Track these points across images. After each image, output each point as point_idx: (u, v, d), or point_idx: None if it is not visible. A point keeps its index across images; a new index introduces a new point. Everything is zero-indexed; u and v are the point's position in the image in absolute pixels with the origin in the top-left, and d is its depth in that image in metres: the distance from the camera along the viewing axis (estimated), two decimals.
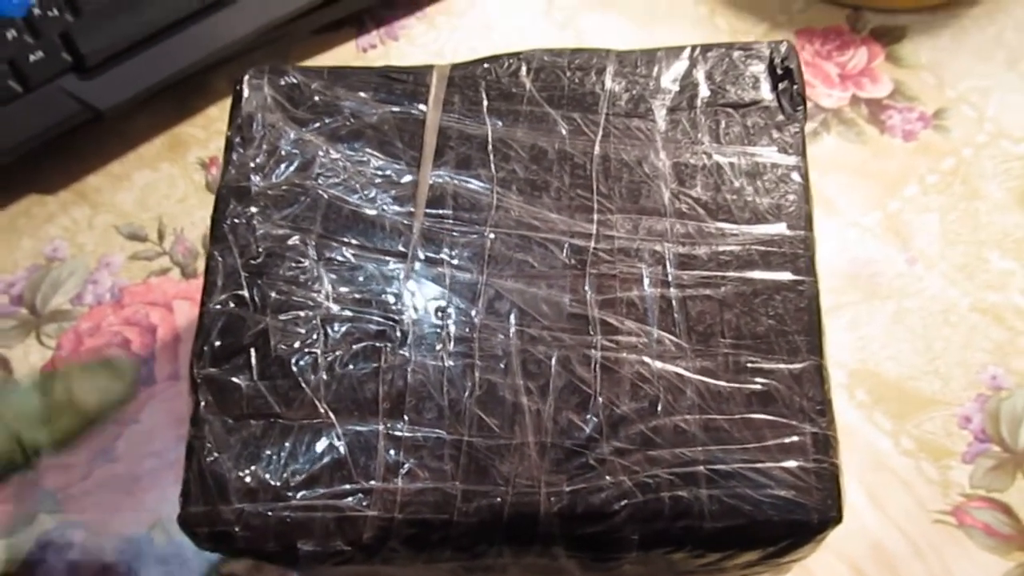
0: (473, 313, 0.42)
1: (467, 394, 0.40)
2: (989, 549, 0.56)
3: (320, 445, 0.40)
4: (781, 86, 0.45)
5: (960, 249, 0.64)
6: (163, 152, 0.69)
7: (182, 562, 0.58)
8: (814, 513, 0.38)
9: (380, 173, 0.45)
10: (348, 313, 0.42)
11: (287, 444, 0.40)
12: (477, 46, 0.71)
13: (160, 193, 0.68)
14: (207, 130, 0.70)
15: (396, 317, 0.42)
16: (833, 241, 0.65)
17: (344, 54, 0.72)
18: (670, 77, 0.45)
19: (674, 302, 0.41)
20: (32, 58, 0.62)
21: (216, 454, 0.41)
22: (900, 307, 0.63)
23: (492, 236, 0.43)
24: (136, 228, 0.67)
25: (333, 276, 0.43)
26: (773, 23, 0.72)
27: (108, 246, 0.66)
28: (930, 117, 0.69)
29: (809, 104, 0.69)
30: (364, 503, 0.39)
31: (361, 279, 0.43)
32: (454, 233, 0.43)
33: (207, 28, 0.65)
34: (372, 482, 0.40)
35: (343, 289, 0.43)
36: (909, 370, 0.61)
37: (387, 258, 0.43)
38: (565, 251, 0.42)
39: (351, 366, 0.41)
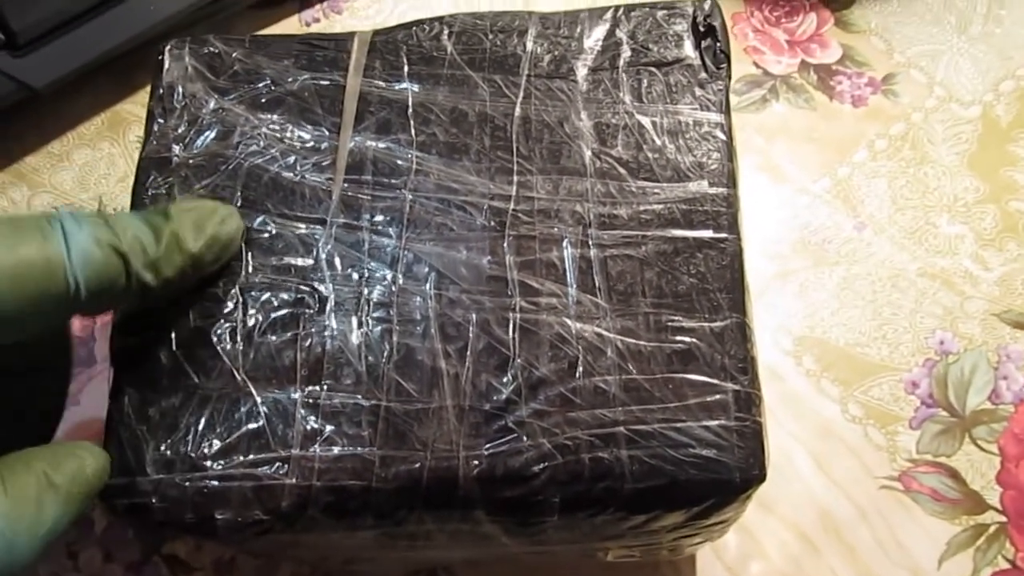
0: (391, 278, 0.41)
1: (385, 359, 0.40)
2: (935, 514, 0.56)
3: (238, 414, 0.40)
4: (704, 44, 0.44)
5: (909, 214, 0.64)
6: (103, 131, 0.68)
7: (122, 538, 0.58)
8: (736, 472, 0.38)
9: (300, 140, 0.44)
10: (267, 281, 0.42)
11: (205, 414, 0.40)
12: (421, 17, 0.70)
13: (99, 172, 0.67)
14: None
15: (315, 284, 0.41)
16: (782, 208, 0.65)
17: (287, 28, 0.71)
18: (593, 38, 0.45)
19: (594, 262, 0.40)
20: None
21: (134, 425, 0.40)
22: (849, 273, 0.62)
23: (411, 199, 0.42)
24: (75, 209, 0.66)
25: (252, 244, 0.42)
26: None
27: None
28: (879, 82, 0.68)
29: (758, 71, 0.68)
30: (282, 471, 0.39)
31: (280, 247, 0.42)
32: (373, 198, 0.43)
33: (144, 2, 0.64)
34: (290, 450, 0.39)
35: (262, 257, 0.42)
36: (857, 336, 0.61)
37: (306, 225, 0.42)
38: (484, 213, 0.42)
39: (269, 334, 0.41)
